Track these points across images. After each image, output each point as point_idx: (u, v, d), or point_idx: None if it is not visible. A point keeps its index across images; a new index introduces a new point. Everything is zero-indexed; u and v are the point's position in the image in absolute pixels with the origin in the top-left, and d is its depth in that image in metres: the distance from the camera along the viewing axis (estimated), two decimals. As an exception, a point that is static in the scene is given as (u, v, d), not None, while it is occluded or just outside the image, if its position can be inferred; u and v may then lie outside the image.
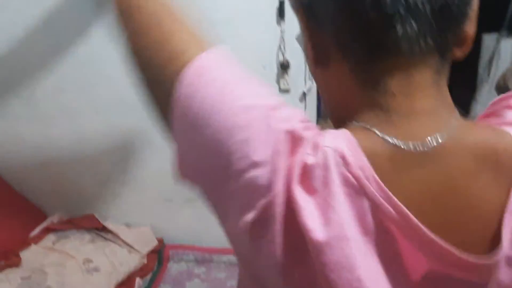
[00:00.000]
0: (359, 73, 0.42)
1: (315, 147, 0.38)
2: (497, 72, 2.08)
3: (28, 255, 1.60)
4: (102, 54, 1.54)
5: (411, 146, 0.39)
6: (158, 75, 0.46)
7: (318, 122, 1.81)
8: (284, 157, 0.38)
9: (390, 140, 0.39)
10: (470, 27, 0.42)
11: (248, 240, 0.40)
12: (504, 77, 1.81)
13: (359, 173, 0.37)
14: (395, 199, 0.37)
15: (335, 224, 0.36)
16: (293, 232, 0.38)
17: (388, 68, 0.40)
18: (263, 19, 1.55)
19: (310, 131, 0.40)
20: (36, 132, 1.76)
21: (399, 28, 0.37)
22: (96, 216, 1.81)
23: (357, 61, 0.41)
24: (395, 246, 0.38)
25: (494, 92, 1.94)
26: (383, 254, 0.38)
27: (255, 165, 0.38)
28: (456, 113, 0.42)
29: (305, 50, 0.47)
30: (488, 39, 2.14)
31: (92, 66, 1.60)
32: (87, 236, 1.76)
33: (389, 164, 0.39)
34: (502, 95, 0.49)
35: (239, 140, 0.39)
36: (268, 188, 0.38)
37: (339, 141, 0.39)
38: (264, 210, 0.38)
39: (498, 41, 2.08)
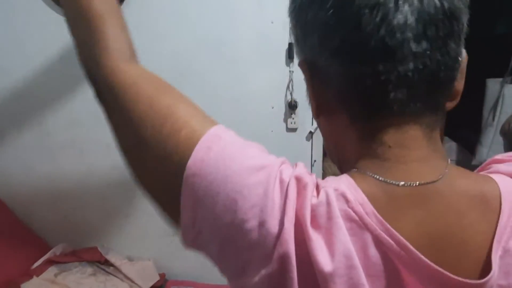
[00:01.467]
0: (358, 127, 0.46)
1: (317, 189, 0.42)
2: (501, 116, 2.09)
3: (30, 287, 1.58)
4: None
5: (407, 188, 0.42)
6: (160, 155, 0.46)
7: (324, 160, 1.82)
8: (292, 201, 0.41)
9: (387, 182, 0.42)
10: (459, 84, 0.46)
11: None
12: (509, 122, 1.83)
13: (359, 208, 0.40)
14: (394, 231, 0.39)
15: (341, 255, 0.39)
16: (305, 270, 0.40)
17: (383, 126, 0.44)
18: (273, 60, 1.59)
19: (312, 177, 0.43)
20: (45, 164, 1.78)
21: (391, 94, 0.42)
22: (99, 248, 1.80)
23: (356, 117, 0.45)
24: (399, 277, 0.40)
25: (499, 136, 1.95)
26: (388, 284, 0.40)
27: (271, 215, 0.40)
28: (447, 161, 0.45)
29: (309, 100, 0.51)
30: (492, 84, 2.17)
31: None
32: (89, 269, 1.74)
33: (387, 204, 0.41)
34: (489, 159, 0.53)
35: (256, 196, 0.41)
36: (279, 233, 0.40)
37: (339, 183, 0.42)
38: (279, 256, 0.40)
39: (502, 86, 2.11)
